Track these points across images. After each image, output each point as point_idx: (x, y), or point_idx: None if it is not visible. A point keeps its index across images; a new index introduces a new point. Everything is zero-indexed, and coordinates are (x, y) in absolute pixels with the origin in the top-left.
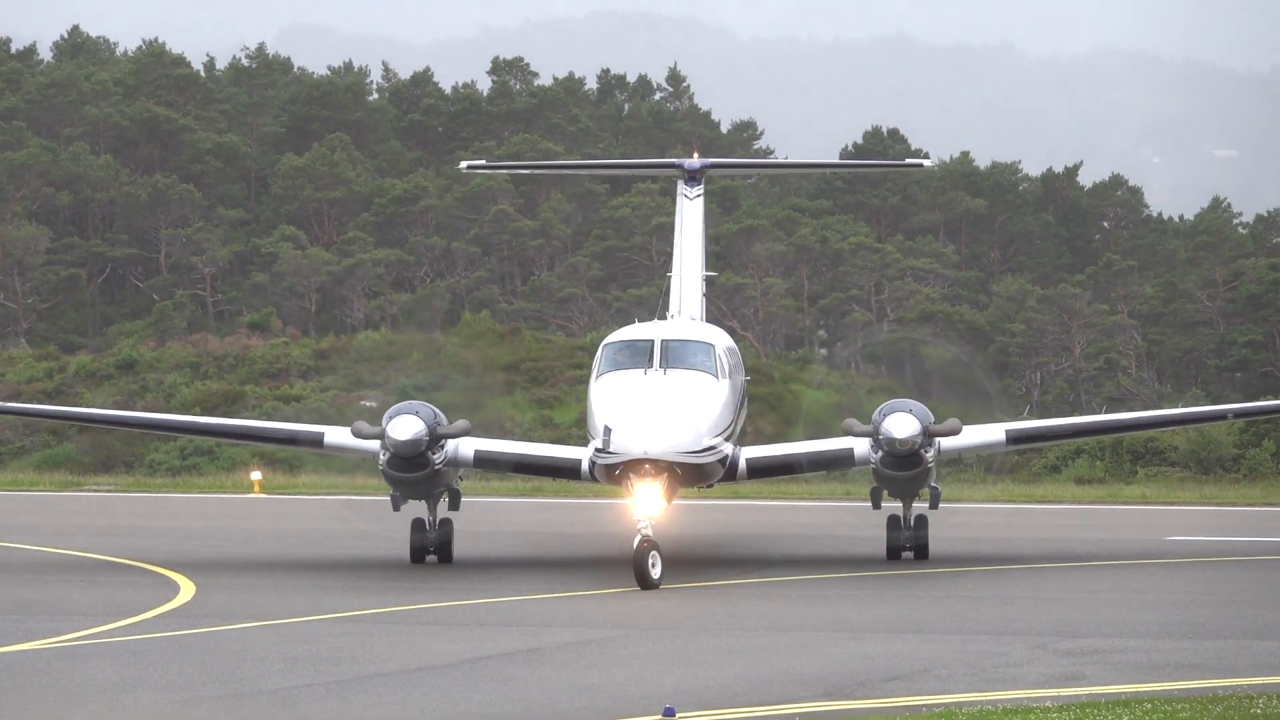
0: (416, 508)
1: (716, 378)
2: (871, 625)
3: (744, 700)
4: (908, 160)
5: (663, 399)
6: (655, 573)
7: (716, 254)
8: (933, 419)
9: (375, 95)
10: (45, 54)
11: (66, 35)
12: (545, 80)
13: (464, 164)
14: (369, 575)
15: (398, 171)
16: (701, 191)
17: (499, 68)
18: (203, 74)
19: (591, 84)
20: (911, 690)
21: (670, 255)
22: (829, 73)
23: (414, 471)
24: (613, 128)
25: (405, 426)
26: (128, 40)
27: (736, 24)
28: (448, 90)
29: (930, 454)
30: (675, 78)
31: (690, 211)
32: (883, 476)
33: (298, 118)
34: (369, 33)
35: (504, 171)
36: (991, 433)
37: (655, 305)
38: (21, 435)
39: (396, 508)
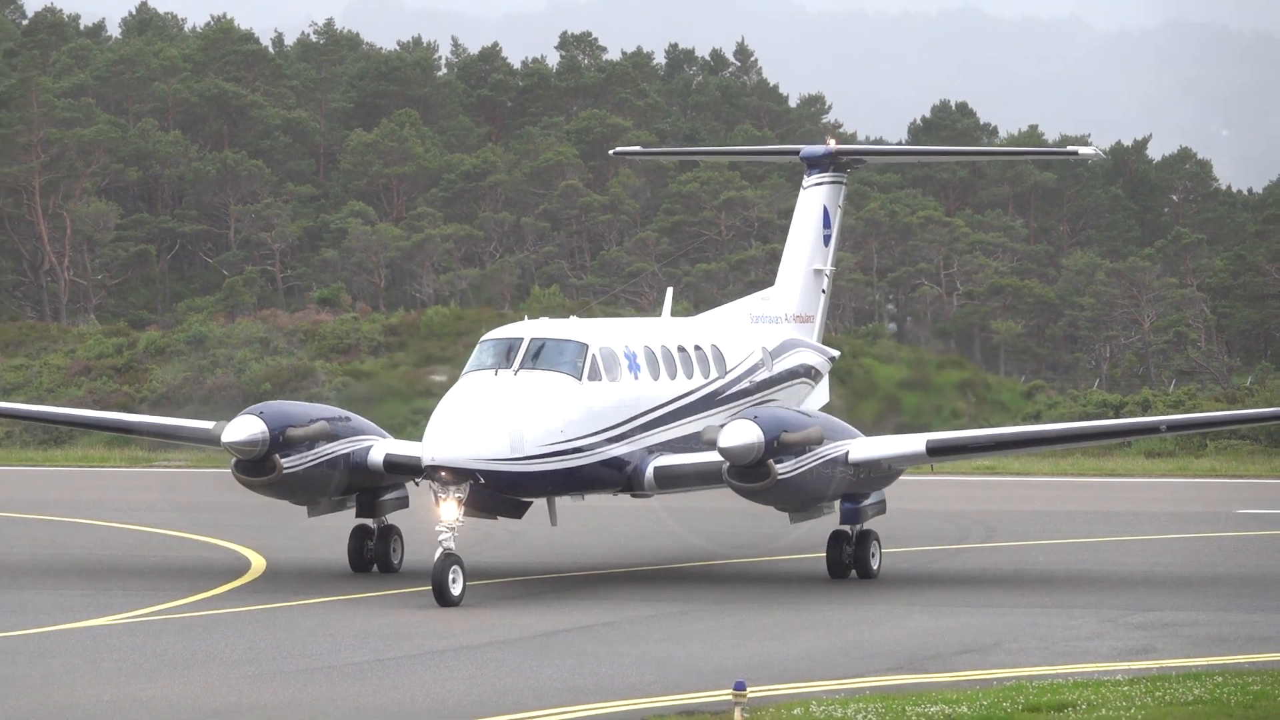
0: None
1: (579, 380)
2: (943, 599)
3: (816, 674)
4: (1067, 148)
5: (485, 402)
6: (456, 589)
7: (784, 228)
8: (811, 430)
9: (444, 70)
10: (114, 31)
11: (135, 12)
12: (614, 55)
13: (613, 150)
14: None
15: (466, 147)
16: (824, 180)
17: (567, 42)
18: (271, 50)
19: (660, 59)
20: (983, 664)
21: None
22: (897, 46)
23: (259, 475)
24: (681, 102)
25: (236, 428)
26: (196, 16)
27: None
28: (516, 65)
29: (787, 467)
30: (743, 52)
31: (802, 201)
32: (736, 489)
33: (366, 93)
34: (437, 8)
35: (651, 158)
36: (911, 443)
37: (723, 280)
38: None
39: (309, 513)
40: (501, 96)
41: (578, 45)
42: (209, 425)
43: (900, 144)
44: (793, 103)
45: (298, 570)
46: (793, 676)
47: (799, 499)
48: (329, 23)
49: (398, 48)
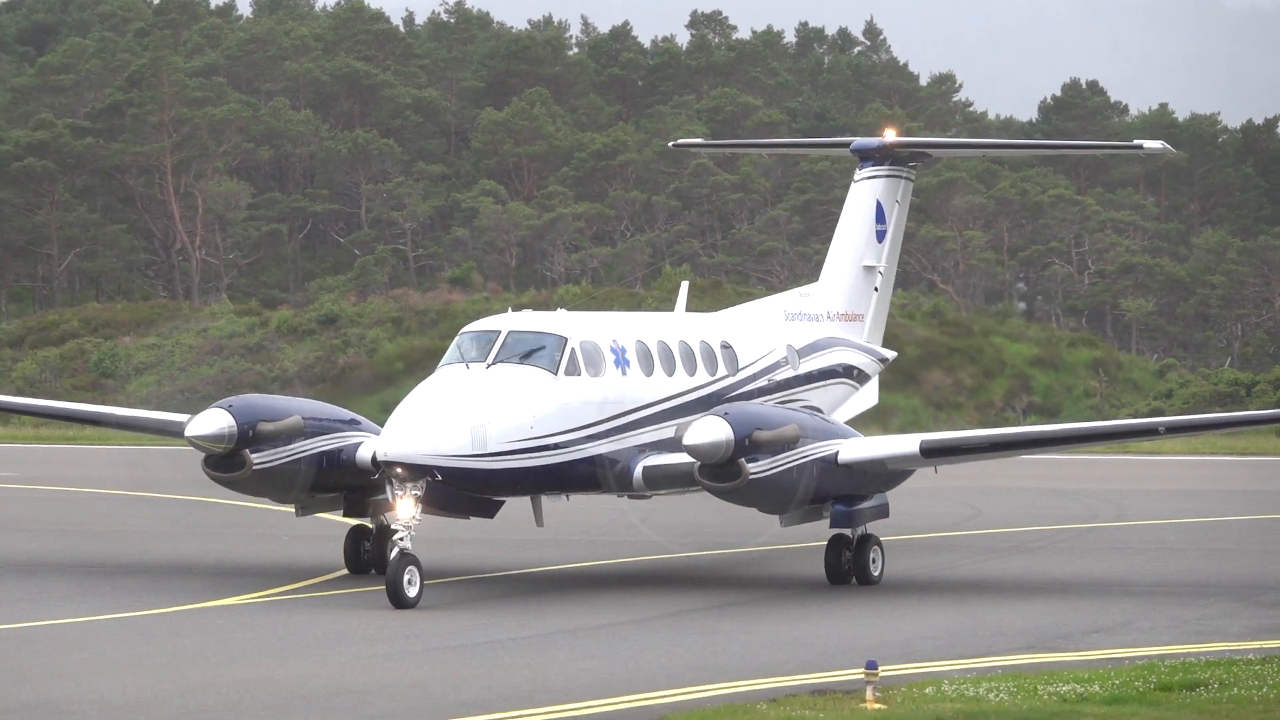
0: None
1: (554, 375)
2: (1073, 579)
3: (947, 653)
4: (1133, 143)
5: (449, 396)
6: (412, 591)
7: (916, 206)
8: (787, 429)
9: (574, 49)
10: (244, 10)
11: None
12: (744, 34)
13: (672, 143)
14: (572, 529)
15: (597, 125)
16: (878, 174)
17: (698, 21)
18: (402, 29)
19: (790, 37)
20: (1113, 643)
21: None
22: (1028, 24)
23: (229, 471)
24: (811, 81)
25: (201, 423)
26: None
27: None
28: (647, 44)
29: (761, 466)
30: (873, 30)
31: (852, 194)
32: (707, 489)
33: (497, 72)
34: None
35: (712, 149)
36: (905, 444)
37: None
38: (222, 390)
39: (297, 513)
40: (632, 75)
41: (708, 24)
42: (181, 418)
43: (1030, 123)
44: (923, 81)
45: (428, 550)
46: (924, 655)
47: (776, 500)
48: (459, 2)
49: (528, 26)
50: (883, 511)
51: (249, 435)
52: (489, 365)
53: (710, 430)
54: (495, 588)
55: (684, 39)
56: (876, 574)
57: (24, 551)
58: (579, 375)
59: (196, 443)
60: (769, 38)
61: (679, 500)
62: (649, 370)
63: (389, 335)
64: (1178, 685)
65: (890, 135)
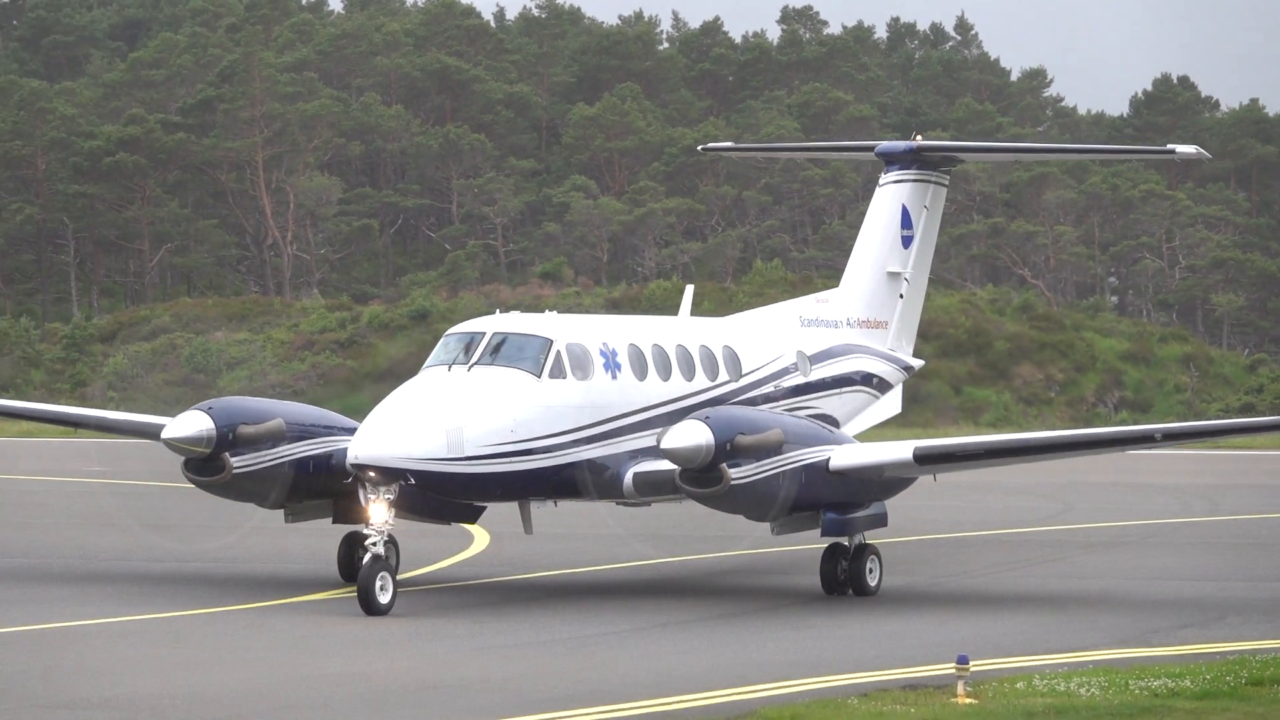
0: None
1: (537, 377)
2: (1165, 574)
3: (1038, 648)
4: (1166, 147)
5: (427, 398)
6: (384, 597)
7: (1007, 201)
8: (771, 433)
9: (665, 45)
10: (336, 5)
11: None
12: (835, 29)
13: (700, 147)
14: (667, 525)
15: (688, 121)
16: (905, 178)
17: (789, 16)
18: (493, 24)
19: (881, 32)
20: (1205, 637)
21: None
22: (1120, 18)
23: (208, 475)
24: (902, 76)
25: (178, 425)
26: None
27: None
28: (737, 39)
29: (744, 471)
30: (964, 25)
31: (876, 198)
32: (689, 495)
33: (588, 67)
34: None
35: (739, 154)
36: (898, 451)
37: (944, 254)
38: (314, 385)
39: (286, 519)
40: (723, 70)
41: (799, 19)
42: (161, 420)
43: (1121, 118)
44: (1014, 76)
45: (524, 544)
46: (1015, 650)
47: (760, 507)
48: (551, 0)
49: (619, 22)
50: (880, 521)
51: (229, 438)
52: (470, 367)
53: (689, 434)
54: (582, 583)
55: (775, 34)
56: (874, 585)
57: (115, 548)
58: (564, 378)
59: (173, 445)
60: (860, 33)
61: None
62: (642, 374)
63: None
64: (1269, 680)
65: (919, 139)
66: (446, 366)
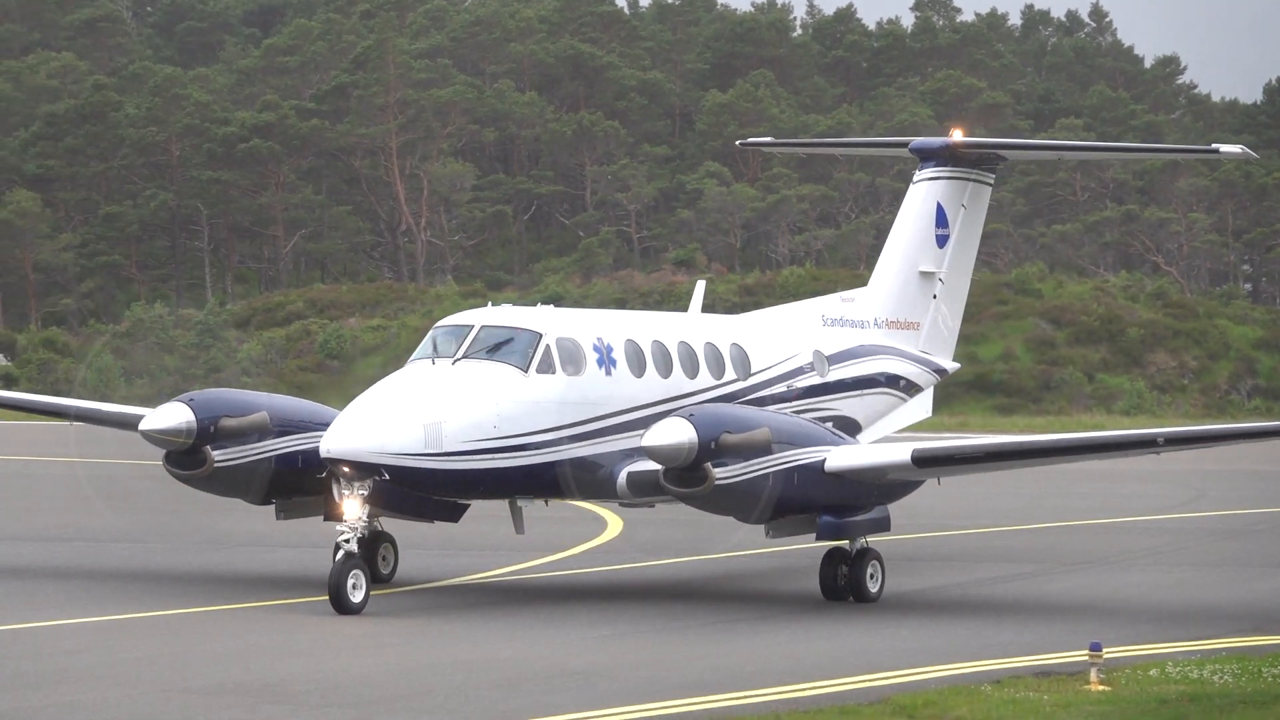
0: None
1: (524, 372)
2: None
3: (1169, 635)
4: (1211, 146)
5: (407, 392)
6: (357, 596)
7: (1140, 188)
8: (758, 432)
9: (799, 31)
10: None
11: None
12: (968, 16)
13: (739, 142)
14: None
15: (821, 108)
16: (940, 175)
17: (923, 3)
18: (626, 11)
19: (1015, 19)
20: None
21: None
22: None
23: (189, 469)
24: (1035, 63)
25: (157, 417)
26: None
27: None
28: (871, 26)
29: (730, 471)
30: (1098, 13)
31: (910, 195)
32: (673, 495)
33: (721, 54)
34: None
35: (779, 149)
36: (897, 453)
37: (1078, 241)
38: None
39: (277, 515)
40: (856, 57)
41: (933, 6)
42: (141, 411)
43: (1255, 104)
44: (1147, 64)
45: (654, 530)
46: (1147, 638)
47: (748, 508)
48: None
49: (753, 9)
50: (881, 525)
51: (210, 431)
52: (455, 361)
53: (672, 432)
54: (713, 570)
55: (908, 21)
56: (875, 591)
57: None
58: (553, 373)
59: (152, 437)
60: (993, 20)
61: None
62: (639, 371)
63: None
64: None
65: (957, 135)
66: (431, 360)
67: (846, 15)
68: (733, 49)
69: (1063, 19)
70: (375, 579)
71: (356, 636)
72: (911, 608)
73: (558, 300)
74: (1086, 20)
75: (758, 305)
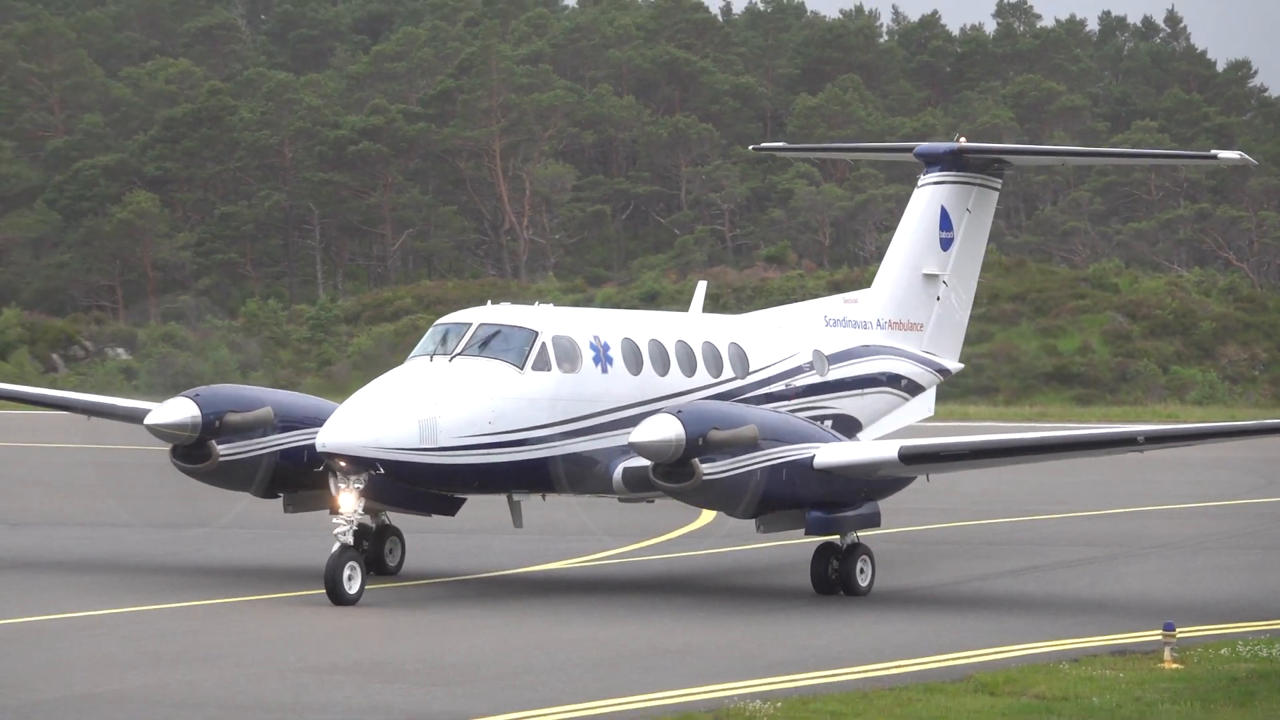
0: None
1: (519, 369)
2: None
3: (1242, 615)
4: (1209, 152)
5: (402, 388)
6: (352, 587)
7: (1212, 188)
8: (745, 429)
9: (885, 37)
10: (570, 0)
11: None
12: (1048, 22)
13: (752, 147)
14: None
15: (907, 111)
16: (945, 179)
17: (1004, 10)
18: (720, 18)
19: (1093, 25)
20: None
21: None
22: None
23: (194, 462)
24: (1112, 68)
25: (162, 412)
26: None
27: None
28: (955, 32)
29: (718, 467)
30: (1173, 18)
31: (914, 199)
32: (663, 490)
33: (811, 60)
34: None
35: (791, 154)
36: (885, 450)
37: (1153, 238)
38: None
39: (285, 508)
40: (940, 62)
41: (1014, 12)
42: (147, 405)
43: None
44: (1220, 67)
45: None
46: (1219, 618)
47: (735, 503)
48: None
49: (841, 16)
50: (872, 521)
51: (215, 426)
52: (451, 357)
53: (660, 428)
54: (796, 554)
55: (990, 27)
56: (865, 585)
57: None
58: (549, 370)
59: (157, 431)
60: (1072, 26)
61: None
62: (636, 369)
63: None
64: None
65: (962, 140)
66: (429, 356)
67: (931, 21)
68: (822, 54)
69: (1139, 24)
70: (381, 571)
71: (457, 620)
72: (993, 590)
73: (654, 296)
74: (1161, 26)
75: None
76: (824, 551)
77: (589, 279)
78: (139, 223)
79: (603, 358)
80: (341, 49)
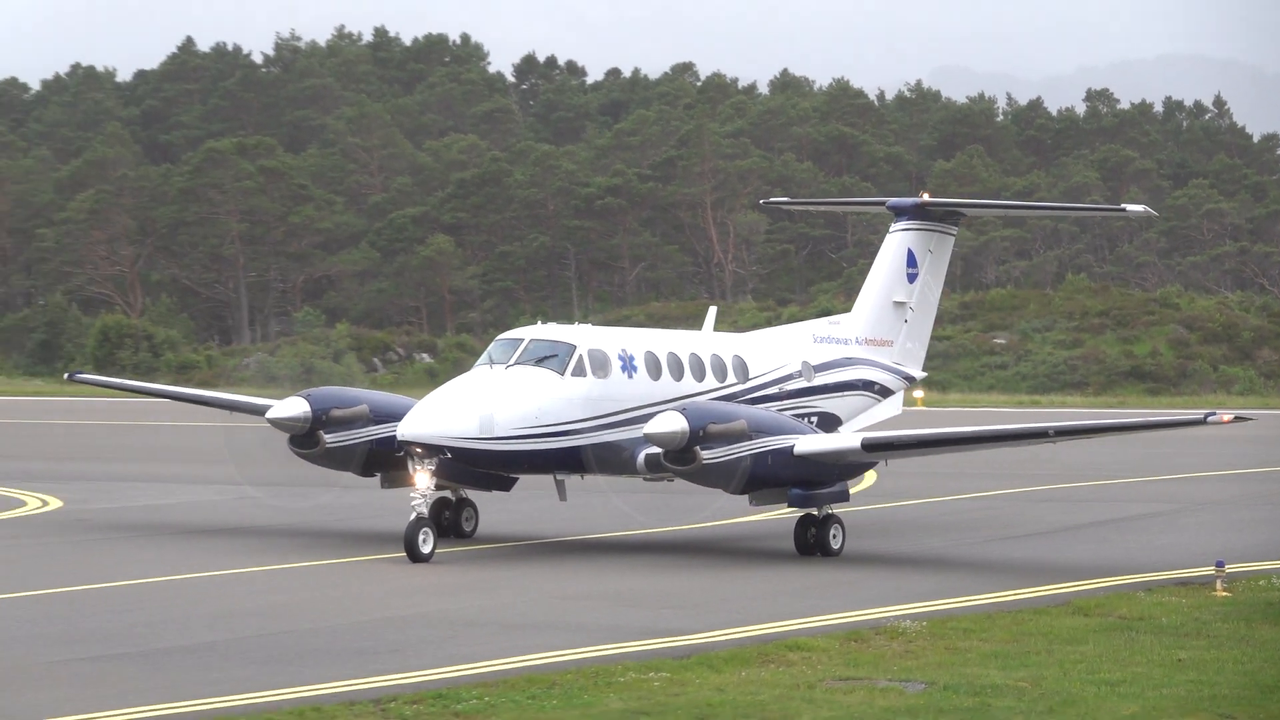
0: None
1: (561, 375)
2: None
3: (1279, 555)
4: (1119, 206)
5: (468, 390)
6: (426, 548)
7: (1250, 230)
8: (735, 424)
9: (1000, 117)
10: (763, 89)
11: (778, 75)
12: (1125, 104)
13: (762, 200)
14: (1008, 459)
15: (1018, 172)
16: (911, 227)
17: (1091, 96)
18: (876, 103)
19: (1159, 107)
20: None
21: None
22: None
23: (306, 449)
24: (1174, 139)
25: (281, 408)
26: (822, 78)
27: (1266, 61)
28: (1054, 113)
29: (715, 454)
30: (1219, 101)
31: (886, 242)
32: (672, 471)
33: (945, 134)
34: (996, 70)
35: (794, 207)
36: (850, 441)
37: (1205, 269)
38: None
39: (382, 485)
40: (1044, 135)
41: (1099, 98)
42: (268, 403)
43: None
44: (1255, 139)
45: (899, 481)
46: (1260, 557)
47: (730, 482)
48: (918, 82)
49: (968, 100)
50: (842, 496)
51: (322, 419)
52: (508, 366)
53: (668, 422)
54: (949, 507)
55: (1081, 109)
56: (837, 548)
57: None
58: (585, 377)
59: (276, 423)
60: (1143, 108)
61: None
62: (656, 375)
63: None
64: None
65: (924, 197)
66: (490, 365)
67: (1036, 105)
68: (953, 130)
69: (1192, 106)
70: (459, 535)
71: (675, 559)
72: (1079, 536)
73: (828, 312)
74: (1210, 107)
75: (973, 319)
76: (804, 521)
77: (778, 300)
78: (438, 259)
79: (628, 366)
80: (591, 127)
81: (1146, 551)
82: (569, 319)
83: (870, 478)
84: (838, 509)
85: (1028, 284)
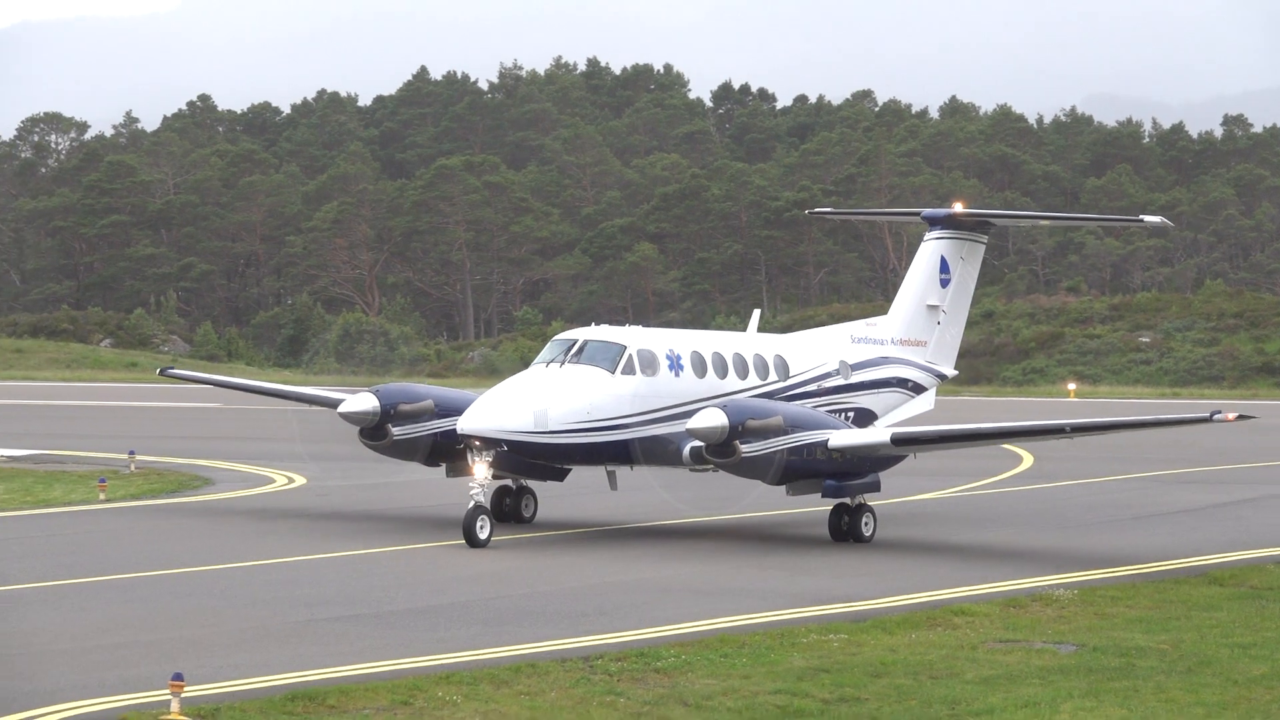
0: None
1: (611, 373)
2: None
3: None
4: (1138, 217)
5: (524, 387)
6: (483, 534)
7: None
8: (772, 420)
9: (1146, 139)
10: (934, 114)
11: (947, 101)
12: (1258, 128)
13: (808, 210)
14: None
15: (1162, 189)
16: (944, 236)
17: (1228, 121)
18: (1035, 126)
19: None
20: None
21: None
22: None
23: (374, 440)
24: None
25: (352, 403)
26: (987, 104)
27: None
28: (1194, 135)
29: (753, 447)
30: None
31: (921, 250)
32: (713, 464)
33: (1096, 154)
34: (1146, 97)
35: (837, 217)
36: (880, 435)
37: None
38: None
39: (447, 474)
40: (1185, 156)
41: (1234, 122)
42: (341, 396)
43: None
44: None
45: (1057, 465)
46: None
47: (767, 474)
48: (1072, 109)
49: (1117, 124)
50: (874, 487)
51: (390, 413)
52: (562, 365)
53: (710, 418)
54: (1101, 488)
55: (1219, 132)
56: (868, 535)
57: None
58: (634, 375)
59: (348, 417)
60: (1274, 131)
61: None
62: (701, 374)
63: (1025, 325)
64: None
65: (958, 207)
66: (545, 364)
67: (1179, 128)
68: (1104, 150)
69: None
70: (519, 521)
71: (817, 538)
72: (1215, 515)
73: (990, 314)
74: None
75: (1121, 319)
76: (838, 510)
77: None
78: (643, 264)
79: (675, 365)
80: (780, 147)
81: (1218, 534)
82: (761, 319)
83: (1028, 459)
84: (869, 498)
85: (1170, 288)
